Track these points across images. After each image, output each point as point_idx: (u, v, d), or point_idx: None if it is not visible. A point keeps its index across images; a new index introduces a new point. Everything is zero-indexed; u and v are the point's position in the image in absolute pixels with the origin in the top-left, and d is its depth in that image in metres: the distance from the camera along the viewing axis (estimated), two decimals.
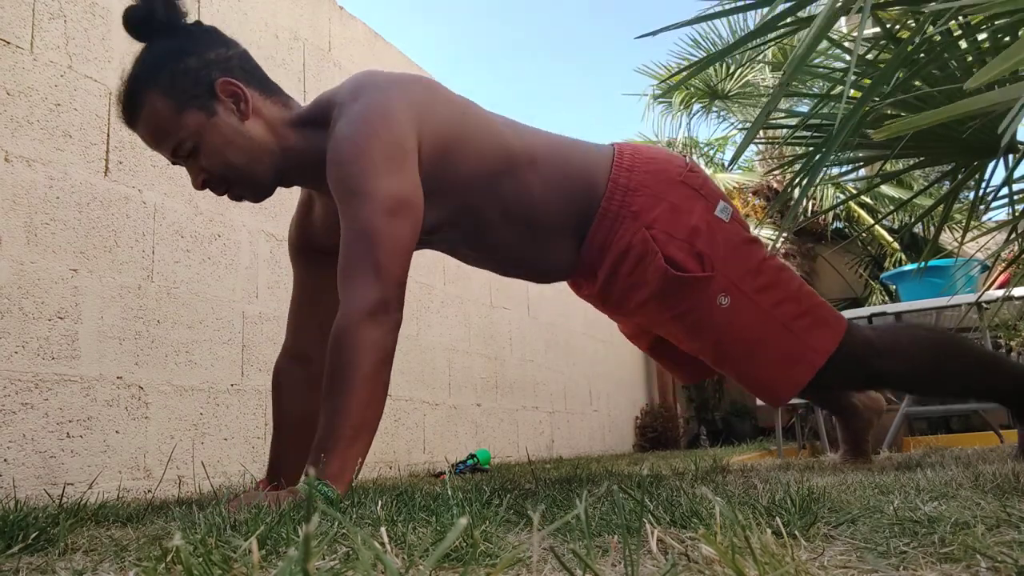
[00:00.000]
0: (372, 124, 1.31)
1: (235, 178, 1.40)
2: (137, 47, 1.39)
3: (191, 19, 1.42)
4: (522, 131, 1.53)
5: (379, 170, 1.28)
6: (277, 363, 1.60)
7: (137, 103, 1.34)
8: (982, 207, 1.73)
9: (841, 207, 6.85)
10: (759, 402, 4.19)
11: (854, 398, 1.98)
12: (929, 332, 1.71)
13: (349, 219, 1.28)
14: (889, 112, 1.58)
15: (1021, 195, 1.60)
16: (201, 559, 0.56)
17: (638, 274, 1.51)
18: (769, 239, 6.07)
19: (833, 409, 2.08)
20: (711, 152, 7.72)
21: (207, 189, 1.41)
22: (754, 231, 1.73)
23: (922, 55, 1.41)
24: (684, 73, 6.31)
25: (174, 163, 1.41)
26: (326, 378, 1.23)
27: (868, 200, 6.55)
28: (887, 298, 6.43)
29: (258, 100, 1.40)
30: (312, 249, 1.59)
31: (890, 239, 6.61)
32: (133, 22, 1.35)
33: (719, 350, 1.54)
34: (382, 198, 1.27)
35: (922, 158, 1.75)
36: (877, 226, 6.46)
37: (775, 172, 6.14)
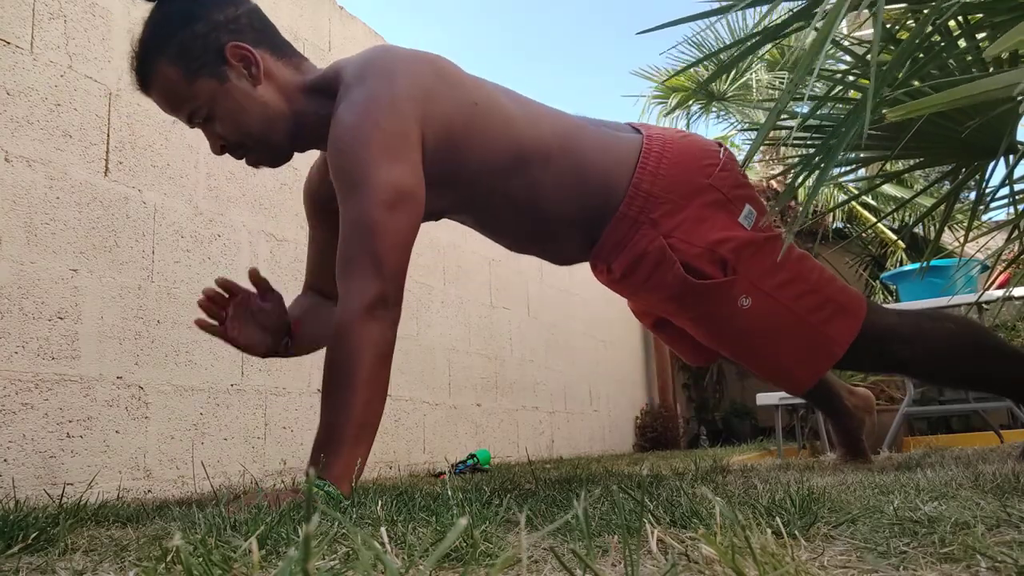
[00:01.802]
0: (373, 113, 1.28)
1: (252, 144, 1.39)
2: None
3: None
4: (539, 120, 1.47)
5: (379, 161, 1.25)
6: (295, 300, 1.64)
7: (148, 71, 1.34)
8: (982, 207, 1.72)
9: (840, 207, 6.85)
10: (759, 402, 4.19)
11: (845, 400, 1.98)
12: (955, 323, 1.68)
13: (348, 210, 1.26)
14: (886, 111, 1.58)
15: (1021, 195, 1.60)
16: (201, 559, 0.56)
17: (656, 279, 1.48)
18: None
19: (825, 410, 2.08)
20: None
21: (226, 154, 1.41)
22: None
23: (921, 55, 1.41)
24: (684, 73, 6.31)
25: (191, 127, 1.41)
26: (326, 374, 1.23)
27: (870, 200, 6.55)
28: (888, 298, 6.43)
29: (270, 62, 1.38)
30: (327, 205, 1.56)
31: (893, 238, 6.60)
32: None
33: (739, 346, 1.54)
34: (381, 189, 1.24)
35: (922, 158, 1.75)
36: (880, 225, 6.46)
37: (778, 176, 6.13)
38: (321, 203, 1.58)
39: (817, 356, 1.50)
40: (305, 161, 1.88)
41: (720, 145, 1.60)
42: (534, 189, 1.45)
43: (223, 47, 1.33)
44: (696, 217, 1.46)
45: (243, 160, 1.44)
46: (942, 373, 1.65)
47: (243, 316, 1.49)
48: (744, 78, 6.25)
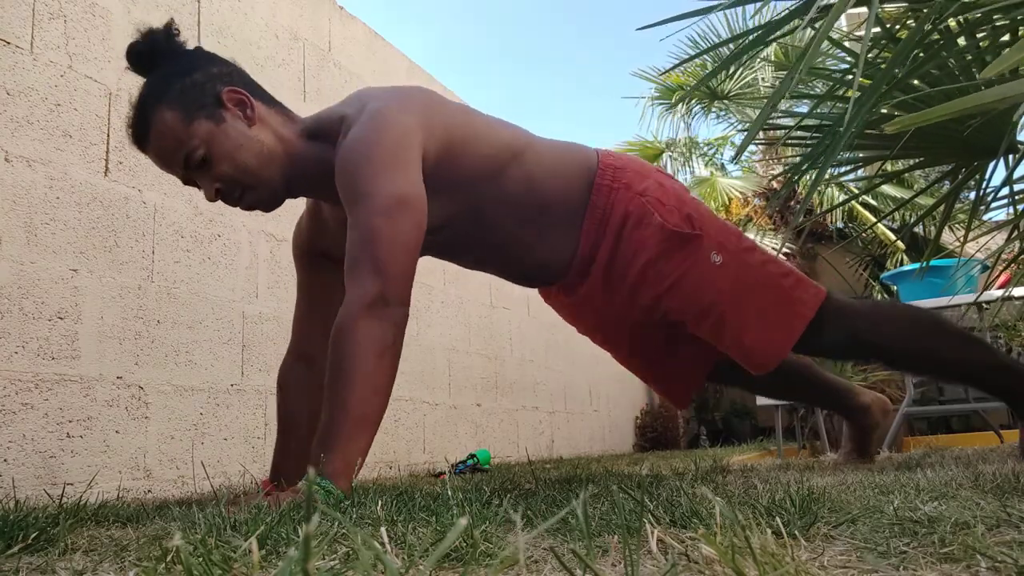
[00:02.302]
0: (376, 129, 1.35)
1: (248, 183, 1.42)
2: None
3: (193, 34, 1.44)
4: (514, 127, 1.62)
5: (381, 171, 1.31)
6: (283, 364, 1.62)
7: (147, 121, 1.37)
8: (982, 207, 1.73)
9: (841, 207, 6.84)
10: (759, 402, 4.19)
11: (860, 397, 1.99)
12: (909, 306, 1.87)
13: (353, 220, 1.31)
14: (885, 112, 1.58)
15: (1021, 195, 1.60)
16: (201, 559, 0.56)
17: (637, 237, 1.57)
18: (774, 246, 6.06)
19: (839, 410, 2.08)
20: (710, 152, 7.70)
21: (220, 200, 1.43)
22: (759, 241, 1.76)
23: (921, 54, 1.41)
24: (685, 69, 6.31)
25: (186, 181, 1.43)
26: (328, 373, 1.24)
27: (870, 200, 6.55)
28: (888, 298, 6.42)
29: (262, 109, 1.43)
30: (317, 254, 1.61)
31: (893, 238, 6.60)
32: (138, 56, 1.40)
33: (717, 312, 1.57)
34: (382, 197, 1.30)
35: (922, 158, 1.75)
36: (880, 225, 6.46)
37: (778, 176, 6.13)
38: (310, 250, 1.62)
39: (791, 317, 1.56)
40: None
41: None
42: (531, 178, 1.55)
43: (219, 92, 1.39)
44: (658, 183, 1.62)
45: (237, 206, 1.46)
46: (905, 353, 1.71)
47: None
48: (747, 77, 6.25)
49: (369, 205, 1.30)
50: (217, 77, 1.41)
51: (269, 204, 1.47)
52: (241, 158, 1.39)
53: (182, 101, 1.36)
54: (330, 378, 1.23)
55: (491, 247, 1.62)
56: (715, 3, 1.34)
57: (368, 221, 1.29)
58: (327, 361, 1.25)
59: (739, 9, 5.58)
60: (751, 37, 1.42)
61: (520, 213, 1.56)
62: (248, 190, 1.43)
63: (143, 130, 1.38)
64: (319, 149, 1.43)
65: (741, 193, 6.81)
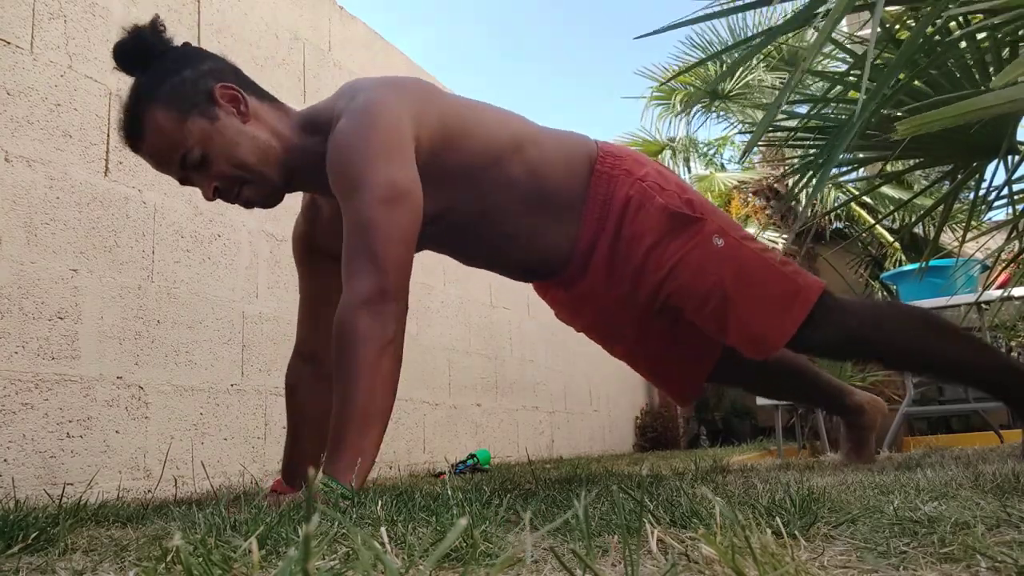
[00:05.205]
0: (368, 118, 1.33)
1: (248, 176, 1.40)
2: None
3: (193, 34, 1.43)
4: (514, 116, 1.61)
5: (374, 162, 1.29)
6: (289, 365, 1.61)
7: (140, 122, 1.35)
8: (983, 207, 1.73)
9: (842, 207, 6.85)
10: (759, 402, 4.18)
11: (854, 396, 1.99)
12: (908, 305, 1.88)
13: (348, 212, 1.30)
14: (885, 112, 1.58)
15: (1021, 195, 1.60)
16: (201, 559, 0.56)
17: (640, 221, 1.56)
18: (772, 241, 6.06)
19: (835, 410, 2.08)
20: (710, 152, 7.70)
21: (219, 199, 1.42)
22: (758, 235, 1.75)
23: (923, 56, 1.41)
24: (685, 72, 6.31)
25: (183, 181, 1.41)
26: (334, 372, 1.25)
27: (869, 200, 6.55)
28: (888, 298, 6.42)
29: (255, 104, 1.42)
30: (316, 252, 1.60)
31: (891, 239, 6.60)
32: (125, 54, 1.37)
33: (718, 294, 1.55)
34: (378, 187, 1.28)
35: (922, 159, 1.76)
36: (878, 226, 6.46)
37: (777, 175, 6.13)
38: (309, 247, 1.61)
39: (793, 301, 1.55)
40: None
41: None
42: (532, 168, 1.54)
43: (211, 89, 1.37)
44: (657, 170, 1.63)
45: (236, 203, 1.45)
46: (898, 351, 1.70)
47: None
48: (746, 78, 6.25)
49: (363, 196, 1.28)
50: (208, 74, 1.38)
51: (268, 200, 1.46)
52: (238, 155, 1.37)
53: (174, 100, 1.34)
54: (335, 377, 1.24)
55: (490, 238, 1.60)
56: (716, 9, 1.34)
57: (363, 212, 1.27)
58: (332, 356, 1.25)
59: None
60: (755, 42, 1.42)
61: (520, 204, 1.55)
62: (246, 187, 1.41)
63: (136, 132, 1.36)
64: (315, 142, 1.41)
65: (739, 183, 6.81)
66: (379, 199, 1.27)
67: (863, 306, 1.70)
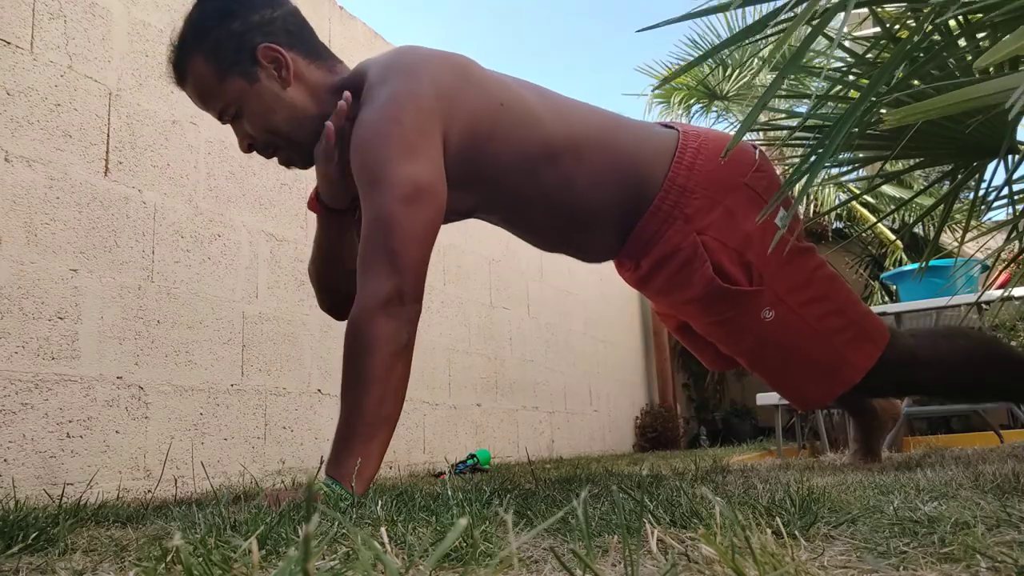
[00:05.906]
0: (394, 111, 1.29)
1: (280, 143, 1.41)
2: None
3: None
4: (568, 114, 1.47)
5: (398, 157, 1.26)
6: (321, 305, 1.60)
7: (184, 67, 1.37)
8: (983, 207, 1.72)
9: (842, 207, 6.84)
10: (759, 402, 4.19)
11: (870, 399, 1.98)
12: (968, 341, 1.66)
13: (367, 208, 1.27)
14: (884, 112, 1.58)
15: (1021, 195, 1.60)
16: (201, 559, 0.56)
17: (683, 276, 1.47)
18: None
19: (852, 410, 2.07)
20: None
21: (254, 152, 1.43)
22: None
23: (921, 54, 1.41)
24: (683, 73, 6.30)
25: (222, 122, 1.42)
26: (343, 371, 1.24)
27: (870, 199, 6.55)
28: (888, 298, 6.42)
29: (301, 64, 1.39)
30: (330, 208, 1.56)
31: (892, 237, 6.60)
32: None
33: (756, 356, 1.53)
34: (400, 185, 1.25)
35: (922, 158, 1.75)
36: (879, 225, 6.46)
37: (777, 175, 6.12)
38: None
39: (833, 378, 1.48)
40: None
41: (755, 147, 1.59)
42: (568, 183, 1.45)
43: (255, 48, 1.35)
44: (729, 212, 1.45)
45: (274, 159, 1.45)
46: (957, 393, 1.64)
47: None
48: (745, 78, 6.25)
49: (386, 191, 1.25)
50: (257, 27, 1.36)
51: (304, 163, 1.46)
52: (272, 121, 1.37)
53: (217, 55, 1.34)
54: (345, 377, 1.22)
55: (527, 229, 1.58)
56: (716, 4, 1.34)
57: (385, 209, 1.24)
58: (343, 355, 1.24)
59: (739, 10, 5.59)
60: (748, 40, 1.42)
61: (555, 211, 1.49)
62: (280, 149, 1.42)
63: (181, 73, 1.38)
64: (352, 108, 1.38)
65: None
66: (399, 197, 1.24)
67: (925, 356, 1.53)
